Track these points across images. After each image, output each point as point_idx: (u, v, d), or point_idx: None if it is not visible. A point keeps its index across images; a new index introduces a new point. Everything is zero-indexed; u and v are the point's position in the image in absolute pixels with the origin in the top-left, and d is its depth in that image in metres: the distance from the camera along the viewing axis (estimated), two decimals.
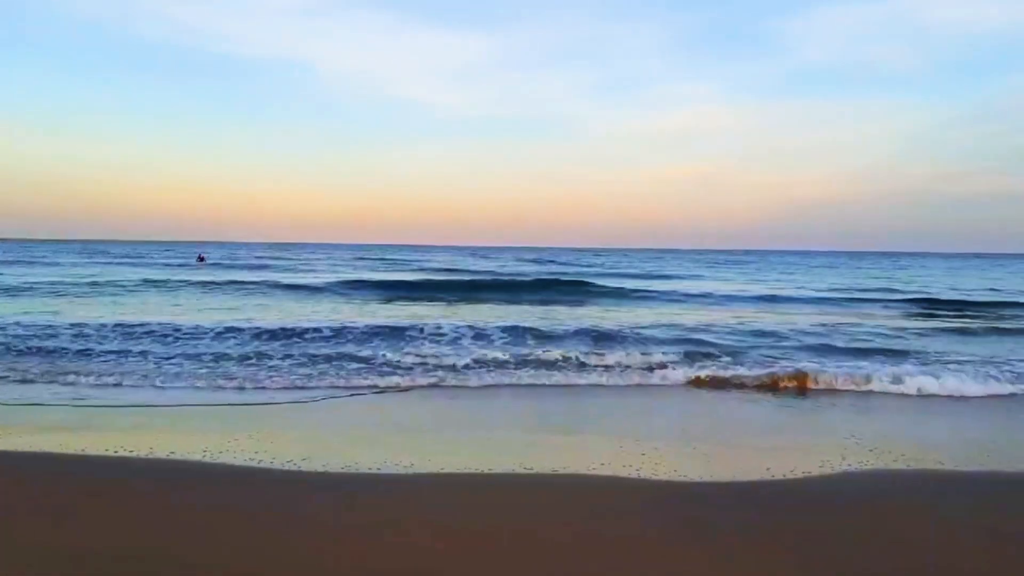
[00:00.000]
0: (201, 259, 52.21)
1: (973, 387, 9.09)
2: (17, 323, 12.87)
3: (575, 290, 26.34)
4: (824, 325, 15.54)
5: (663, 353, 10.96)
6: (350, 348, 11.33)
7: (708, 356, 10.97)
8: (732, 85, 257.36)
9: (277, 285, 25.58)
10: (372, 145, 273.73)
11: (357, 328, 13.09)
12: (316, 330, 12.72)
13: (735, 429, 7.07)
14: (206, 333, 12.32)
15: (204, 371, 9.39)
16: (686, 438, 6.47)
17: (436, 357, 10.41)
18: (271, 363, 9.99)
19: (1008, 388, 9.20)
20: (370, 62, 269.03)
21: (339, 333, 12.60)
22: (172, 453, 5.50)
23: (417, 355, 10.55)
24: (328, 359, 10.31)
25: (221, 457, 5.46)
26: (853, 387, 9.16)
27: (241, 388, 8.53)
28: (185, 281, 26.27)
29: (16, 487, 4.63)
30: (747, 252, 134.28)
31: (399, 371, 9.61)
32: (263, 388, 8.57)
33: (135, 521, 4.02)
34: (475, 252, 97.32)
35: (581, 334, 13.04)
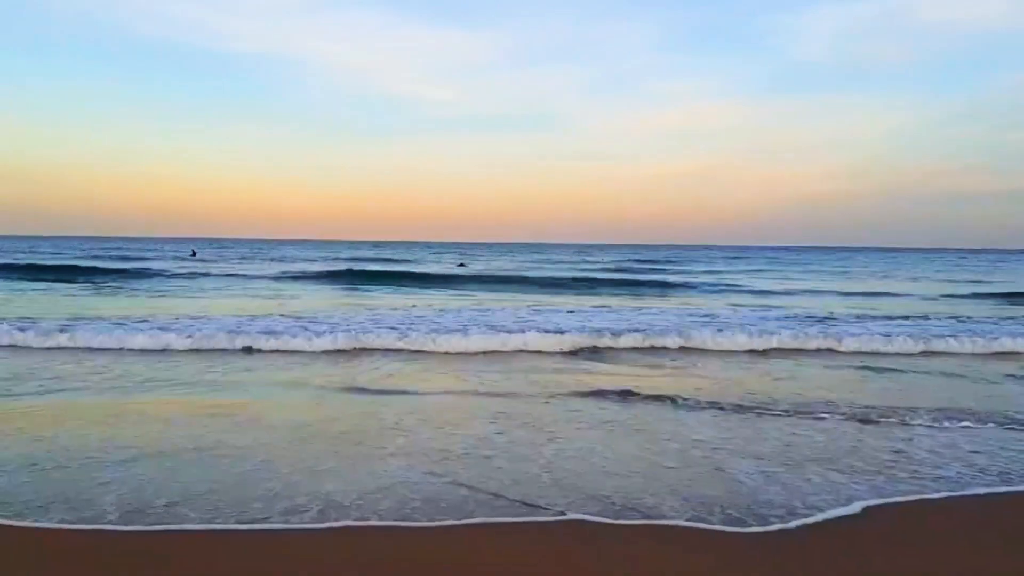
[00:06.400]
0: (194, 254, 52.63)
1: None
2: None
3: None
4: None
5: None
6: None
7: None
8: (728, 82, 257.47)
9: None
10: (367, 141, 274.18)
11: None
12: None
13: None
14: None
15: None
16: None
17: None
18: None
19: None
20: (365, 59, 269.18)
21: None
22: None
23: None
24: None
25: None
26: None
27: None
28: None
29: None
30: (753, 248, 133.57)
31: None
32: None
33: None
34: (477, 250, 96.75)
35: None
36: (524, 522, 4.31)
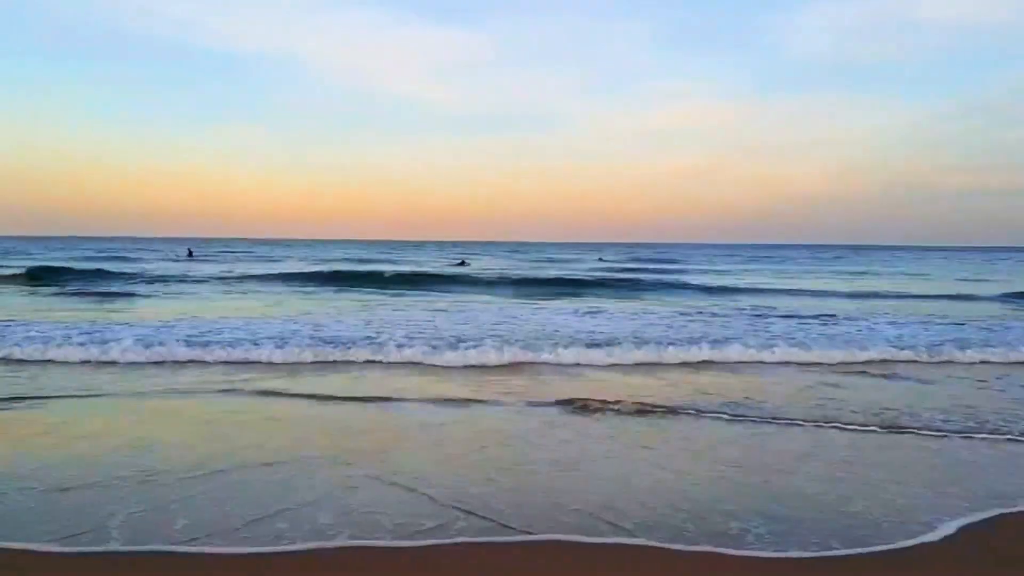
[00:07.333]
0: (190, 254, 52.17)
1: None
2: None
3: None
4: None
5: None
6: None
7: None
8: (725, 81, 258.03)
9: None
10: (362, 141, 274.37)
11: None
12: None
13: None
14: None
15: None
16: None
17: None
18: None
19: None
20: (359, 58, 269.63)
21: None
22: None
23: None
24: None
25: None
26: None
27: None
28: None
29: None
30: (752, 245, 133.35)
31: None
32: None
33: None
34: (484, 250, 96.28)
35: None
36: (550, 539, 3.80)
